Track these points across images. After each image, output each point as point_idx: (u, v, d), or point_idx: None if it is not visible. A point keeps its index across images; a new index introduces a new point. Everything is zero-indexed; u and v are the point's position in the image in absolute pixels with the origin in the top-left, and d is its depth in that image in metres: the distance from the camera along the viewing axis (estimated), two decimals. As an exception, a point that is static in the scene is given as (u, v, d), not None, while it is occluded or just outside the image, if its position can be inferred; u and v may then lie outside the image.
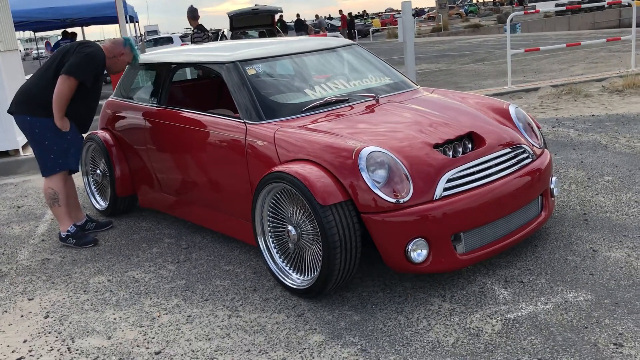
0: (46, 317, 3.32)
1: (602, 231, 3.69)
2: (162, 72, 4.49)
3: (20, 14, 11.96)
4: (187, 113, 4.12)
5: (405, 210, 2.98)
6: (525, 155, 3.51)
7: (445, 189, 3.09)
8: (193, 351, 2.82)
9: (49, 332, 3.14)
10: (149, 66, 4.76)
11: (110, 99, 5.15)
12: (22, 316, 3.36)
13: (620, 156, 5.24)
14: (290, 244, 3.26)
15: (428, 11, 65.56)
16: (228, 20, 14.82)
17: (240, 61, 3.90)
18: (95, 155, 5.06)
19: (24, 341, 3.07)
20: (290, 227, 3.21)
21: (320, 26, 30.04)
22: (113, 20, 14.17)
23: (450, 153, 3.29)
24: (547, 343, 2.58)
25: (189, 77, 6.09)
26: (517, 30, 34.76)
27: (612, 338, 2.56)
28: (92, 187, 5.16)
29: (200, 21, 9.12)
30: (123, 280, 3.72)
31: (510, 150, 3.43)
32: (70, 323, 3.22)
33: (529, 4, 57.84)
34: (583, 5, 10.04)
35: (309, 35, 25.38)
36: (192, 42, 8.88)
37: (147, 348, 2.89)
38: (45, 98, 4.14)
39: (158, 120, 4.33)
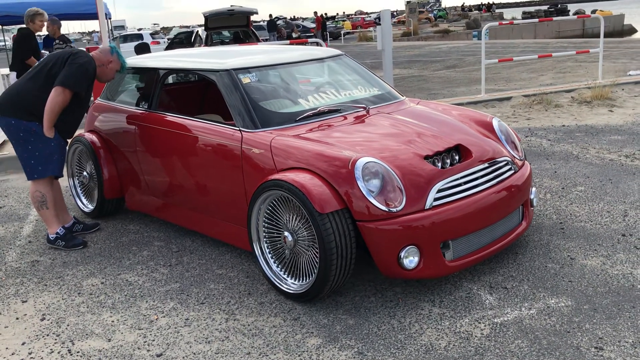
0: (42, 319, 3.36)
1: (577, 240, 3.90)
2: (154, 76, 4.55)
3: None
4: (180, 119, 4.19)
5: (398, 218, 3.12)
6: (508, 167, 3.69)
7: (436, 199, 3.25)
8: (194, 354, 2.91)
9: (47, 335, 3.19)
10: (140, 70, 4.81)
11: (97, 101, 5.18)
12: (17, 319, 3.39)
13: (591, 167, 5.50)
14: (286, 250, 3.38)
15: (397, 15, 66.22)
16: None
17: (234, 69, 3.99)
18: (82, 157, 5.08)
19: (23, 343, 3.12)
20: (286, 233, 3.33)
21: (289, 27, 30.14)
22: (86, 16, 14.03)
23: (439, 164, 3.45)
24: (533, 347, 2.75)
25: (170, 81, 6.13)
26: (485, 37, 35.57)
27: (593, 342, 2.75)
28: (78, 190, 5.18)
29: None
30: (117, 283, 3.77)
31: (495, 162, 3.61)
32: (67, 325, 3.27)
33: (496, 11, 59.06)
34: (554, 18, 10.46)
35: (281, 35, 25.45)
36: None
37: (148, 350, 2.97)
38: (32, 102, 4.17)
39: (150, 124, 4.39)
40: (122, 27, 48.27)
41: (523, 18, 47.33)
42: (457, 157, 3.56)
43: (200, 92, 5.62)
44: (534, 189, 3.92)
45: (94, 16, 12.17)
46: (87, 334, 3.17)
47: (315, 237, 3.13)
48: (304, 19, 45.26)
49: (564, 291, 3.24)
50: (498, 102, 9.01)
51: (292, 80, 4.29)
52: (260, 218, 3.51)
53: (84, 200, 5.15)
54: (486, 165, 3.54)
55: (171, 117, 4.27)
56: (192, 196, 4.18)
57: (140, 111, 4.54)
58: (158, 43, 28.62)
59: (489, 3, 66.47)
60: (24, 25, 7.85)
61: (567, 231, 4.05)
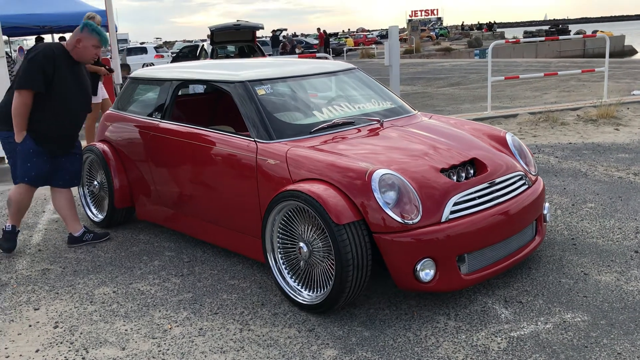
0: (55, 327, 3.35)
1: (590, 256, 3.90)
2: (167, 87, 4.57)
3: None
4: (194, 129, 4.20)
5: (415, 231, 3.12)
6: (522, 182, 3.70)
7: (452, 212, 3.25)
8: (210, 363, 2.90)
9: (61, 342, 3.17)
10: (154, 81, 4.83)
11: (109, 111, 5.20)
12: (30, 326, 3.38)
13: (600, 184, 5.51)
14: (301, 261, 3.37)
15: (398, 33, 66.61)
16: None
17: (249, 81, 4.01)
18: (93, 166, 5.08)
19: (37, 351, 3.10)
20: (302, 244, 3.32)
21: (291, 42, 30.33)
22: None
23: (455, 177, 3.46)
24: (551, 360, 2.74)
25: (183, 92, 6.16)
26: (486, 56, 35.78)
27: (612, 357, 2.74)
28: (88, 199, 5.18)
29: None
30: (129, 292, 3.76)
31: (510, 176, 3.62)
32: (81, 333, 3.26)
33: (497, 30, 59.45)
34: (560, 37, 10.53)
35: (285, 51, 25.61)
36: None
37: (163, 359, 2.95)
38: (6, 112, 4.22)
39: (163, 135, 4.40)
40: (125, 41, 48.55)
41: (524, 37, 47.68)
42: (472, 171, 3.57)
43: (211, 104, 5.65)
44: (547, 204, 3.93)
45: (105, 29, 12.21)
46: (100, 342, 3.15)
47: (331, 248, 3.13)
48: (306, 36, 45.54)
49: (580, 306, 3.24)
50: (504, 119, 9.04)
51: (306, 92, 4.31)
52: (274, 229, 3.50)
53: (94, 210, 5.14)
54: (502, 179, 3.55)
55: (185, 128, 4.28)
56: (204, 206, 4.18)
57: (153, 121, 4.56)
58: (162, 57, 28.80)
59: (489, 22, 66.96)
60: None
61: (580, 247, 4.05)
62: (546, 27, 56.96)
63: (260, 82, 4.06)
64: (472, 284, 3.31)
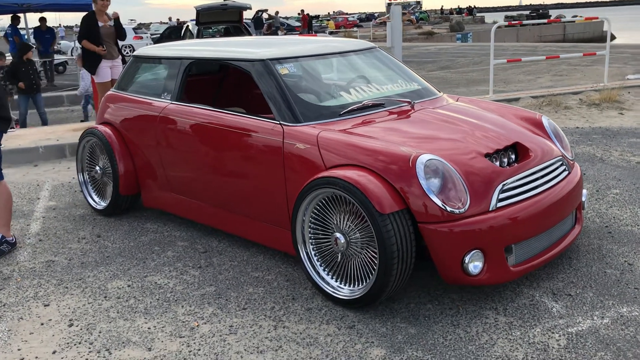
0: (70, 325, 3.08)
1: (630, 244, 3.74)
2: (178, 66, 4.27)
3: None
4: (210, 111, 3.93)
5: (463, 220, 2.91)
6: (563, 167, 3.51)
7: (499, 200, 3.05)
8: (248, 365, 2.67)
9: (79, 342, 2.91)
10: (162, 60, 4.52)
11: (111, 92, 4.88)
12: (42, 324, 3.10)
13: (619, 169, 5.36)
14: (337, 253, 3.14)
15: (378, 16, 66.32)
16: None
17: (270, 59, 3.74)
18: (94, 151, 4.77)
19: (53, 352, 2.83)
20: (338, 235, 3.09)
21: (276, 24, 29.78)
22: (74, 8, 13.62)
23: (497, 163, 3.25)
24: (619, 359, 2.56)
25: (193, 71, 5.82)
26: (468, 40, 35.65)
27: (683, 355, 2.58)
28: (89, 186, 4.87)
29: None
30: (145, 285, 3.50)
31: (552, 162, 3.43)
32: (100, 332, 2.99)
33: (477, 15, 59.43)
34: (562, 20, 10.36)
35: (270, 32, 25.08)
36: None
37: (195, 361, 2.72)
38: None
39: (175, 116, 4.11)
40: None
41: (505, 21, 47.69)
42: (513, 156, 3.37)
43: (215, 84, 5.36)
44: (585, 191, 3.75)
45: (88, 7, 11.79)
46: (123, 342, 2.89)
47: (374, 238, 2.90)
48: (287, 18, 44.94)
49: (633, 299, 3.07)
50: (507, 102, 8.85)
51: (329, 72, 4.07)
52: (306, 219, 3.26)
53: (95, 197, 4.84)
54: (547, 164, 3.35)
55: (199, 109, 4.00)
56: (221, 193, 3.92)
57: (163, 102, 4.26)
58: (141, 38, 28.05)
59: (469, 7, 66.86)
60: None
61: (616, 235, 3.89)
62: (526, 12, 57.12)
63: (280, 60, 3.79)
64: (519, 276, 3.12)
